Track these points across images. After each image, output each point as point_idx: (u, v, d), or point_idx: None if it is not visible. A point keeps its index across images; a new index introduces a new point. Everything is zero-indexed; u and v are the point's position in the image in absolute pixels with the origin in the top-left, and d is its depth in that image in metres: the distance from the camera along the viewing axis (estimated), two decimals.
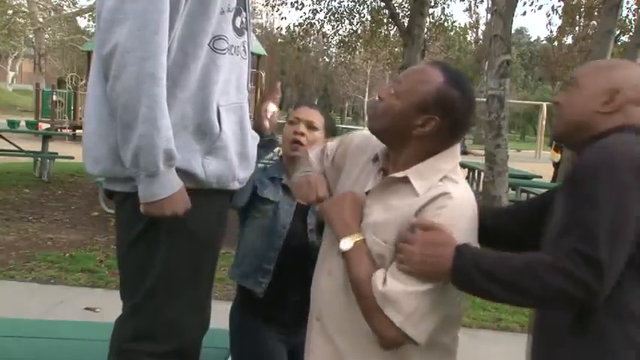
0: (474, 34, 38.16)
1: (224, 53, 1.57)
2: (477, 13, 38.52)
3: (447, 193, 1.30)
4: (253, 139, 1.74)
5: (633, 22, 12.73)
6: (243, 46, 1.66)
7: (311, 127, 1.99)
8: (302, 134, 1.97)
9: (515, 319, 4.32)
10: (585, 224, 1.17)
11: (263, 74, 17.16)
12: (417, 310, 1.27)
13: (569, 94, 1.42)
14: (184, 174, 1.52)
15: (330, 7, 14.16)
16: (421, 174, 1.34)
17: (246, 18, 1.67)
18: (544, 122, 24.58)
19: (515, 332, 4.11)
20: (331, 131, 2.07)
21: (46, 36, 32.14)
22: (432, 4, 13.28)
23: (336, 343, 1.42)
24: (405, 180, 1.35)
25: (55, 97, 16.87)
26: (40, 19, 30.76)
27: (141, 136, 1.41)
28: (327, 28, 14.69)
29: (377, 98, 1.41)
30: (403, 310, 1.26)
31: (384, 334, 1.29)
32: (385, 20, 13.60)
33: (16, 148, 9.26)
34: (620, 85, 1.34)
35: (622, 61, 1.51)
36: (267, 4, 14.30)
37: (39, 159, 9.37)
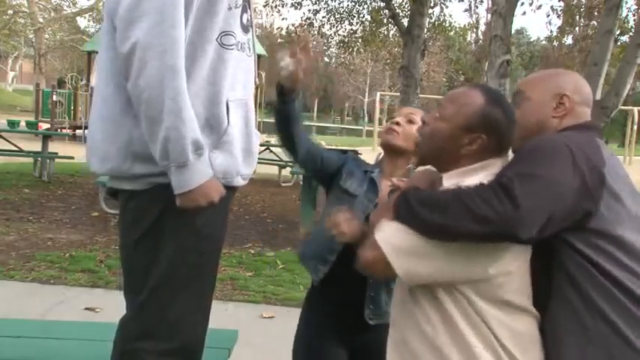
0: (474, 34, 38.14)
1: (232, 49, 1.59)
2: (477, 13, 38.50)
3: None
4: (256, 137, 1.75)
5: (633, 22, 12.73)
6: (248, 43, 1.69)
7: (409, 120, 2.02)
8: (397, 123, 2.01)
9: None
10: (512, 170, 1.28)
11: (263, 74, 17.16)
12: (398, 240, 1.33)
13: (521, 107, 1.53)
14: None
15: (330, 7, 14.16)
16: (451, 177, 1.43)
17: (250, 16, 1.69)
18: None
19: None
20: None
21: (46, 36, 32.16)
22: (432, 4, 13.28)
23: (402, 348, 1.45)
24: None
25: (55, 97, 16.87)
26: (40, 19, 30.79)
27: (167, 129, 1.42)
28: (327, 28, 14.70)
29: (422, 123, 1.52)
30: (386, 232, 1.35)
31: (364, 253, 1.37)
32: (385, 20, 13.61)
33: (16, 148, 9.26)
34: (566, 91, 1.49)
35: (560, 69, 1.65)
36: (266, 5, 14.29)
37: (39, 159, 9.37)
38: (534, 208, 1.23)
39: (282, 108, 1.91)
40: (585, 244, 1.31)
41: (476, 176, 1.36)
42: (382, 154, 2.14)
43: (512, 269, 1.32)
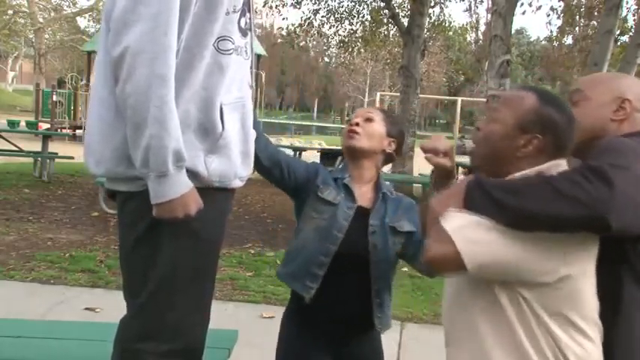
0: (474, 34, 38.17)
1: (229, 54, 1.58)
2: (477, 13, 38.53)
3: None
4: (254, 138, 1.75)
5: (633, 22, 12.73)
6: (246, 47, 1.68)
7: (368, 119, 1.97)
8: (357, 124, 1.95)
9: None
10: (600, 161, 1.20)
11: (263, 74, 17.17)
12: (472, 232, 1.25)
13: (579, 106, 1.48)
14: (187, 172, 1.52)
15: (330, 7, 14.17)
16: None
17: (250, 19, 1.68)
18: None
19: None
20: (397, 129, 2.01)
21: (46, 36, 32.16)
22: (432, 4, 13.28)
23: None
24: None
25: (55, 98, 16.89)
26: (40, 19, 30.79)
27: (150, 137, 1.42)
28: (327, 28, 14.72)
29: (476, 130, 1.46)
30: (458, 223, 1.26)
31: (432, 247, 1.28)
32: (385, 20, 13.61)
33: (16, 148, 9.26)
34: (627, 95, 1.44)
35: (621, 74, 1.62)
36: (265, 5, 14.29)
37: (39, 159, 9.37)
38: (629, 194, 1.16)
39: None
40: None
41: None
42: (344, 160, 2.06)
43: (586, 270, 1.26)
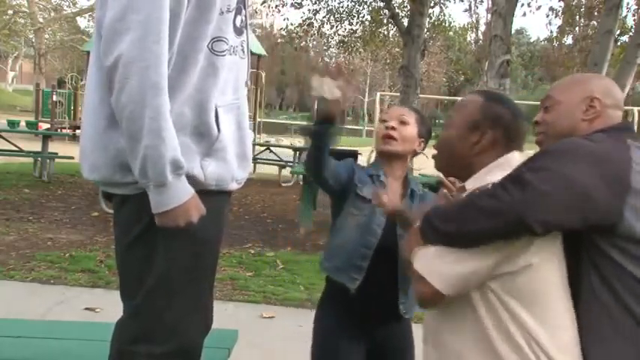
0: (474, 34, 38.14)
1: (223, 55, 1.57)
2: (477, 14, 38.47)
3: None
4: (250, 138, 1.74)
5: (633, 22, 12.73)
6: (242, 46, 1.66)
7: (402, 122, 2.03)
8: (393, 128, 2.01)
9: None
10: (526, 166, 1.30)
11: (263, 74, 17.15)
12: (438, 262, 1.34)
13: (551, 111, 1.54)
14: None
15: (330, 7, 14.15)
16: (475, 180, 1.47)
17: (245, 16, 1.67)
18: None
19: None
20: (426, 128, 2.09)
21: (46, 36, 32.16)
22: (432, 4, 13.28)
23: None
24: (463, 189, 1.51)
25: (55, 98, 16.89)
26: (40, 19, 30.79)
27: (147, 147, 1.41)
28: (327, 28, 14.70)
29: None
30: (425, 260, 1.36)
31: (416, 288, 1.40)
32: (385, 20, 13.60)
33: (16, 148, 9.26)
34: (595, 93, 1.48)
35: (590, 74, 1.66)
36: (264, 3, 14.27)
37: (39, 159, 9.37)
38: (544, 192, 1.23)
39: (320, 132, 1.84)
40: (615, 249, 1.29)
41: (497, 174, 1.37)
42: (376, 157, 2.15)
43: (535, 261, 1.29)
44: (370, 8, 13.96)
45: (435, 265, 1.34)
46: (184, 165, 1.48)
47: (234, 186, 1.67)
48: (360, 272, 1.97)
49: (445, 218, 1.34)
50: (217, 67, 1.56)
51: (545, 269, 1.31)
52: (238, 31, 1.63)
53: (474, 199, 1.31)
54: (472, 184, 1.47)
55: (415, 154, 2.11)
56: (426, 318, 1.53)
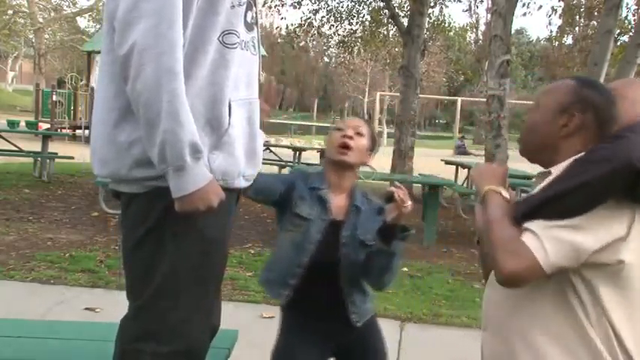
0: (474, 34, 38.16)
1: (235, 48, 1.57)
2: (477, 13, 38.53)
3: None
4: (261, 137, 1.73)
5: (633, 22, 12.73)
6: (253, 42, 1.66)
7: (358, 133, 2.02)
8: (350, 137, 2.00)
9: None
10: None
11: (263, 74, 17.16)
12: (545, 233, 1.29)
13: (618, 105, 1.56)
14: None
15: (330, 7, 14.16)
16: (561, 168, 1.41)
17: (256, 13, 1.67)
18: None
19: None
20: (374, 143, 2.11)
21: (46, 36, 32.16)
22: (432, 4, 13.29)
23: (502, 346, 1.44)
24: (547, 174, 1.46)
25: (55, 98, 16.88)
26: (40, 19, 30.79)
27: (165, 132, 1.41)
28: (327, 28, 14.71)
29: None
30: (539, 226, 1.30)
31: (506, 264, 1.29)
32: (385, 20, 13.61)
33: (16, 148, 9.26)
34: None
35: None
36: (264, 5, 14.27)
37: (39, 159, 9.37)
38: None
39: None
40: None
41: None
42: (325, 164, 2.11)
43: (631, 259, 1.29)
44: (370, 8, 13.97)
45: (534, 240, 1.28)
46: (202, 149, 1.48)
47: (241, 182, 1.65)
48: (288, 289, 1.98)
49: (551, 183, 1.34)
50: (228, 60, 1.56)
51: (637, 269, 1.31)
52: (249, 27, 1.63)
53: (578, 159, 1.34)
54: (558, 170, 1.41)
55: (363, 165, 2.09)
56: (486, 306, 1.51)
